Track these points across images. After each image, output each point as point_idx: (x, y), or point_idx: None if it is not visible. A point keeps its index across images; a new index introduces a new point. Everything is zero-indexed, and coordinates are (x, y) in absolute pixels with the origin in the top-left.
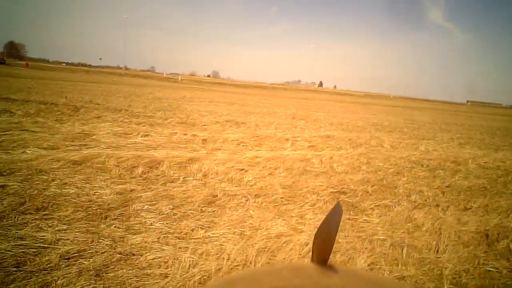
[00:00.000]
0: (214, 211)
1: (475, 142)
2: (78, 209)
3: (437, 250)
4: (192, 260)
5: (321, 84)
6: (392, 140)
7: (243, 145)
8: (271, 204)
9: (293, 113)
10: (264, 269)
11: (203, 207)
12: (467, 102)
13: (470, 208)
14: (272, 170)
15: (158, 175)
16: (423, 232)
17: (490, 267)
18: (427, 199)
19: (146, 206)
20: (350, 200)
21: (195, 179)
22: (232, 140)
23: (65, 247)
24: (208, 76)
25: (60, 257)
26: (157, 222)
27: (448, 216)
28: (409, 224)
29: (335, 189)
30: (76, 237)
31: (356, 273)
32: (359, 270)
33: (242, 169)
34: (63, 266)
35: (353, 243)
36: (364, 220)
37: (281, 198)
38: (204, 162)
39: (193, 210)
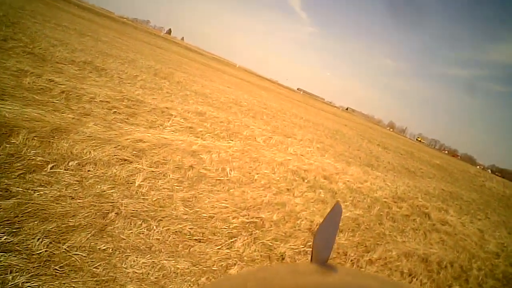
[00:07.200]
0: (109, 252)
1: (328, 149)
2: None
3: None
4: None
5: (169, 31)
6: (260, 132)
7: (115, 112)
8: (180, 240)
9: (153, 67)
10: (264, 269)
11: (92, 241)
12: (298, 89)
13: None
14: (162, 168)
15: (12, 155)
16: None
17: None
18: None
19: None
20: (265, 242)
21: (68, 170)
22: (100, 101)
23: None
24: None
25: None
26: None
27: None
28: None
29: (246, 218)
30: None
31: (355, 273)
32: (358, 270)
33: (127, 161)
34: None
35: None
36: None
37: (190, 229)
38: (74, 138)
39: (80, 251)
